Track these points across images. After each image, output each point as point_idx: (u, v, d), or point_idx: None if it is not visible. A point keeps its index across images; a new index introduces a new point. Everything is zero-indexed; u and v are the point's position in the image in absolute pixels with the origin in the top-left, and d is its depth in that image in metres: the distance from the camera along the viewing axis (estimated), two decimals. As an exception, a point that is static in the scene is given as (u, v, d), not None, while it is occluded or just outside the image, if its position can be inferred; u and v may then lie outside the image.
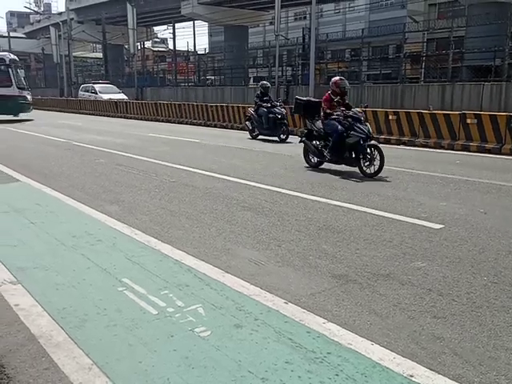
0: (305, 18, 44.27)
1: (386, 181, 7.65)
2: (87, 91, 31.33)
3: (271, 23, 39.02)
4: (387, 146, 12.40)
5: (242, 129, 17.13)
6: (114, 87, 31.91)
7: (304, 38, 32.68)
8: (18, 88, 21.09)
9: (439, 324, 3.04)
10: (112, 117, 24.86)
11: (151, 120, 22.18)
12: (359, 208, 5.89)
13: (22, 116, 21.86)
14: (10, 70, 20.77)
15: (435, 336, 2.89)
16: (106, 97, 28.67)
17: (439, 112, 12.63)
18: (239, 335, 2.83)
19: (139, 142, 13.23)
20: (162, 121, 21.47)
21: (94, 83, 32.20)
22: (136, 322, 2.98)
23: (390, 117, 12.98)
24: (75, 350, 2.66)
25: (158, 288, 3.49)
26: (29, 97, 22.19)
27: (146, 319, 3.02)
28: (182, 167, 8.94)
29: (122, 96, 29.53)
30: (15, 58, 22.25)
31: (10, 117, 21.38)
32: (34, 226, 5.09)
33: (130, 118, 23.51)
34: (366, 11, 42.47)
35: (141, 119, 22.89)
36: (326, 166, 8.91)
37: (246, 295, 3.38)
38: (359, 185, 7.37)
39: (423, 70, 25.00)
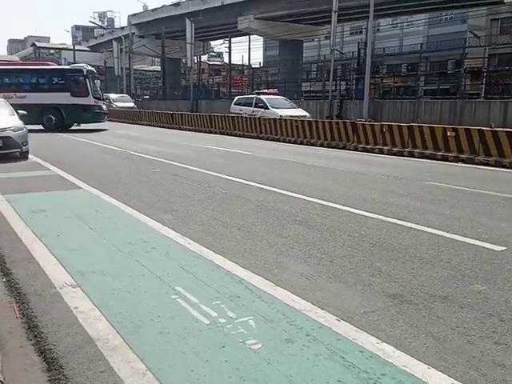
0: (361, 32, 43.98)
1: (443, 199, 7.40)
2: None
3: (326, 37, 39.01)
4: (444, 163, 12.05)
5: (293, 142, 17.17)
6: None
7: (359, 53, 32.47)
8: (94, 98, 21.89)
9: (500, 350, 2.88)
10: (168, 128, 25.57)
11: (205, 132, 22.63)
12: (414, 226, 5.72)
13: (97, 125, 22.79)
14: (87, 80, 21.60)
15: (496, 363, 2.74)
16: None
17: (501, 129, 12.12)
18: (290, 350, 2.80)
19: (193, 153, 13.51)
20: (216, 132, 21.85)
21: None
22: (188, 330, 3.02)
23: (449, 133, 12.58)
24: (130, 354, 2.73)
25: (209, 298, 3.52)
26: (104, 106, 23.13)
27: (199, 328, 3.05)
28: (234, 179, 9.04)
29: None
30: (92, 69, 23.28)
31: (77, 125, 22.69)
32: (93, 232, 5.29)
33: (185, 130, 24.09)
34: (425, 26, 41.65)
35: (195, 131, 23.39)
36: (373, 181, 8.74)
37: (297, 310, 3.35)
38: (414, 202, 7.17)
39: (484, 86, 24.16)
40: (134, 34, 48.00)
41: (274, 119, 18.98)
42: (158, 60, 57.04)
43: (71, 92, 21.54)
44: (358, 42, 35.52)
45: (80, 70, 21.83)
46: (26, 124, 18.73)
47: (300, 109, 22.68)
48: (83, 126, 23.02)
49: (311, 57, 46.75)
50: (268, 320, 3.17)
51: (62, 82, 21.87)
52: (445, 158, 12.34)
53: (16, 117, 12.05)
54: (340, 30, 41.65)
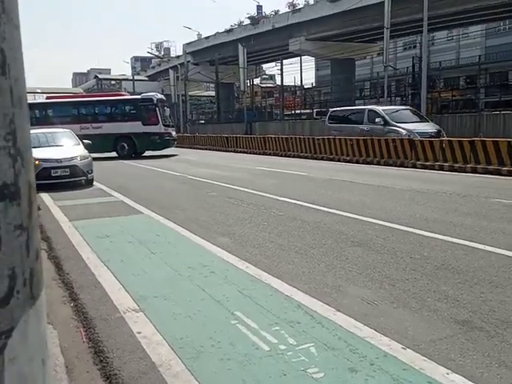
0: (414, 47, 43.18)
1: (512, 217, 7.01)
2: None
3: (379, 54, 38.65)
4: (511, 178, 11.46)
5: (349, 161, 16.96)
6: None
7: (414, 68, 31.85)
8: (164, 125, 22.68)
9: None
10: (223, 151, 26.04)
11: (259, 154, 22.84)
12: (482, 247, 5.44)
13: (166, 151, 23.30)
14: (157, 109, 22.42)
15: None
16: None
17: None
18: (354, 380, 2.71)
19: (248, 176, 13.65)
20: (270, 154, 21.99)
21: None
22: (249, 357, 3.00)
23: (514, 147, 11.99)
24: (193, 381, 2.74)
25: (269, 323, 3.49)
26: (173, 133, 23.85)
27: (259, 355, 3.02)
28: (289, 200, 9.02)
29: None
30: (162, 97, 24.18)
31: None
32: (154, 256, 5.42)
33: (239, 152, 24.44)
34: (482, 37, 40.32)
35: (249, 153, 23.67)
36: (434, 199, 8.42)
37: (359, 337, 3.25)
38: (480, 221, 6.84)
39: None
40: (189, 61, 49.64)
41: (328, 139, 18.79)
42: (213, 85, 58.59)
43: (142, 121, 22.38)
44: (413, 57, 34.94)
45: (150, 99, 22.65)
46: (100, 152, 19.79)
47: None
48: (153, 152, 23.53)
49: (364, 74, 46.36)
50: (329, 347, 3.10)
51: (134, 111, 22.74)
52: (511, 173, 11.74)
53: (81, 146, 12.70)
54: (393, 46, 41.09)
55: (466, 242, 5.64)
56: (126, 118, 22.86)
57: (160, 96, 23.90)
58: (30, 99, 24.82)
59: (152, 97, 23.03)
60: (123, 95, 25.73)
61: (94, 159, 12.74)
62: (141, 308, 3.87)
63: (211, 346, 3.18)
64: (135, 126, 22.29)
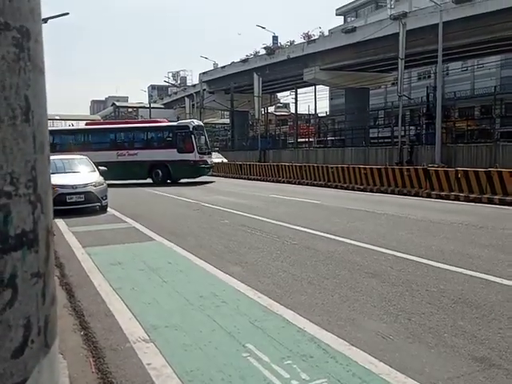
0: (429, 77, 43.37)
1: (530, 250, 6.86)
2: None
3: (393, 84, 38.92)
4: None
5: (363, 190, 16.88)
6: None
7: (428, 97, 31.93)
8: (199, 153, 22.17)
9: None
10: (236, 178, 26.14)
11: (273, 181, 22.88)
12: (499, 280, 5.31)
13: (201, 178, 22.99)
14: (192, 136, 21.98)
15: None
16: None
17: None
18: (369, 419, 2.61)
19: (261, 203, 13.63)
20: (283, 182, 22.01)
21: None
22: (260, 392, 2.92)
23: (531, 178, 11.83)
24: (201, 417, 2.67)
25: (281, 357, 3.41)
26: (209, 160, 23.35)
27: (270, 390, 2.94)
28: (303, 229, 8.96)
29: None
30: (199, 124, 23.62)
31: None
32: (166, 285, 5.39)
33: (253, 180, 24.50)
34: (497, 68, 40.40)
35: (263, 180, 23.73)
36: (450, 230, 8.29)
37: (374, 373, 3.16)
38: (497, 254, 6.70)
39: None
40: (204, 90, 50.46)
41: (342, 167, 18.85)
42: (227, 113, 59.32)
43: (178, 148, 22.05)
44: (427, 87, 35.05)
45: (186, 126, 22.40)
46: (135, 179, 19.91)
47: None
48: (187, 180, 22.99)
49: (378, 104, 46.57)
50: (343, 384, 3.01)
51: (170, 138, 22.50)
52: (528, 204, 11.56)
53: (97, 173, 12.85)
54: (407, 76, 41.36)
55: (483, 275, 5.51)
56: (162, 145, 22.59)
57: (197, 123, 23.43)
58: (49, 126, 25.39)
59: (188, 124, 22.77)
60: (160, 122, 25.10)
61: (111, 185, 12.86)
62: (151, 338, 3.82)
63: (221, 379, 3.11)
64: (170, 154, 21.93)
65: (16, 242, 0.74)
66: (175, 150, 22.06)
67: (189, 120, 24.72)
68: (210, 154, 24.02)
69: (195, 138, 22.09)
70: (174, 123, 24.69)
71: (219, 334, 3.90)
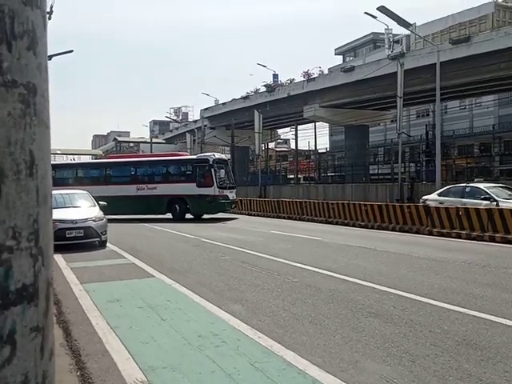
0: (427, 115, 44.01)
1: (534, 289, 6.77)
2: None
3: (392, 121, 39.37)
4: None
5: (364, 226, 16.82)
6: None
7: (427, 135, 32.29)
8: (219, 188, 21.01)
9: None
10: (237, 213, 26.08)
11: (273, 217, 22.83)
12: (504, 321, 5.21)
13: (221, 215, 21.76)
14: (212, 170, 20.94)
15: None
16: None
17: None
18: None
19: (262, 239, 13.56)
20: (284, 217, 21.96)
21: None
22: None
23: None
24: None
25: (282, 401, 3.31)
26: (230, 195, 21.93)
27: None
28: (304, 266, 8.87)
29: None
30: (220, 157, 22.80)
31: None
32: (164, 323, 5.29)
33: (253, 215, 24.46)
34: (495, 106, 41.03)
35: (263, 216, 23.68)
36: (452, 269, 8.20)
37: (378, 419, 3.05)
38: (501, 293, 6.61)
39: None
40: (205, 125, 51.09)
41: (343, 203, 18.86)
42: (228, 148, 59.89)
43: (197, 182, 21.06)
44: (426, 125, 35.55)
45: (206, 160, 21.31)
46: (154, 214, 19.61)
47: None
48: (210, 216, 21.93)
49: (378, 140, 47.07)
50: (346, 431, 2.90)
51: (189, 172, 21.64)
52: (530, 243, 11.49)
53: (97, 208, 12.84)
54: (406, 114, 41.94)
55: (488, 316, 5.42)
56: (181, 179, 21.79)
57: (218, 156, 22.47)
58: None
59: (208, 157, 21.67)
60: (180, 155, 24.44)
61: (113, 220, 12.82)
62: (148, 380, 3.72)
63: (220, 425, 3.00)
64: (189, 188, 20.96)
65: (16, 296, 0.72)
66: (194, 184, 21.10)
67: (209, 153, 23.62)
68: (232, 188, 22.71)
69: (215, 172, 21.08)
70: (194, 156, 23.84)
71: (218, 375, 3.80)
